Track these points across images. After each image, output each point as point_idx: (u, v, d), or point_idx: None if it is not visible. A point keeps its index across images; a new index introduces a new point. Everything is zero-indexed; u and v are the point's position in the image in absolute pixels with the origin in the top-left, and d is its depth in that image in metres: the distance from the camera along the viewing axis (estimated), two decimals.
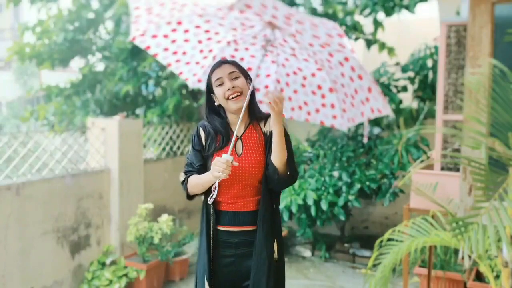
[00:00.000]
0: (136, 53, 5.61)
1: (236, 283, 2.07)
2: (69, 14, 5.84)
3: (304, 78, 2.38)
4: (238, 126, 1.97)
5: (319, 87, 2.37)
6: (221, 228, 2.04)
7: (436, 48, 5.66)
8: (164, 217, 4.42)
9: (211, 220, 2.03)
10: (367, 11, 5.88)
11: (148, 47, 2.32)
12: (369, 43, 6.24)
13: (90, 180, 4.32)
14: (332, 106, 2.37)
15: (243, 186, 2.02)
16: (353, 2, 6.23)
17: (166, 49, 2.35)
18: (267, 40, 2.10)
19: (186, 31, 2.27)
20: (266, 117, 2.10)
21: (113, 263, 4.40)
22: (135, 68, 5.57)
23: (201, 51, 2.39)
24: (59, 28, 5.79)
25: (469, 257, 2.13)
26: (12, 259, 3.60)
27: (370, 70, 6.44)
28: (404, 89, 5.80)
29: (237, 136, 2.00)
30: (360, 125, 5.38)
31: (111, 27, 6.17)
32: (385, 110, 2.26)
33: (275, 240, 2.05)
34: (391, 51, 6.18)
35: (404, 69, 5.78)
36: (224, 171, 1.86)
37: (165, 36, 2.29)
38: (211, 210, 2.04)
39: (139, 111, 6.14)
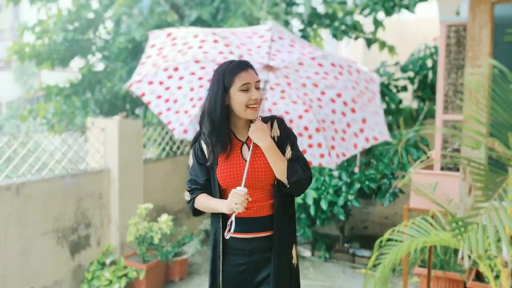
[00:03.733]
0: (136, 53, 5.61)
1: None
2: (69, 14, 5.84)
3: (291, 121, 2.47)
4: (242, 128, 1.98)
5: (306, 128, 2.47)
6: (232, 235, 1.90)
7: (436, 48, 5.66)
8: (164, 217, 4.42)
9: (221, 228, 1.95)
10: (367, 10, 5.89)
11: (143, 94, 2.37)
12: (369, 42, 6.25)
13: (90, 180, 4.32)
14: (319, 145, 2.47)
15: (254, 189, 1.94)
16: (353, 1, 6.24)
17: (159, 97, 2.39)
18: (265, 81, 2.18)
19: (181, 78, 2.31)
20: (269, 119, 2.01)
21: (113, 263, 4.40)
22: (135, 68, 5.57)
23: (191, 99, 2.44)
24: (59, 28, 5.79)
25: (469, 257, 2.13)
26: (12, 259, 3.60)
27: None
28: (404, 89, 5.81)
29: (245, 160, 1.94)
30: None
31: (111, 27, 6.17)
32: (382, 136, 2.34)
33: (294, 245, 2.00)
34: (391, 49, 6.18)
35: (404, 69, 5.78)
36: (242, 203, 1.81)
37: (161, 82, 2.34)
38: (220, 218, 1.96)
39: (139, 111, 6.14)
